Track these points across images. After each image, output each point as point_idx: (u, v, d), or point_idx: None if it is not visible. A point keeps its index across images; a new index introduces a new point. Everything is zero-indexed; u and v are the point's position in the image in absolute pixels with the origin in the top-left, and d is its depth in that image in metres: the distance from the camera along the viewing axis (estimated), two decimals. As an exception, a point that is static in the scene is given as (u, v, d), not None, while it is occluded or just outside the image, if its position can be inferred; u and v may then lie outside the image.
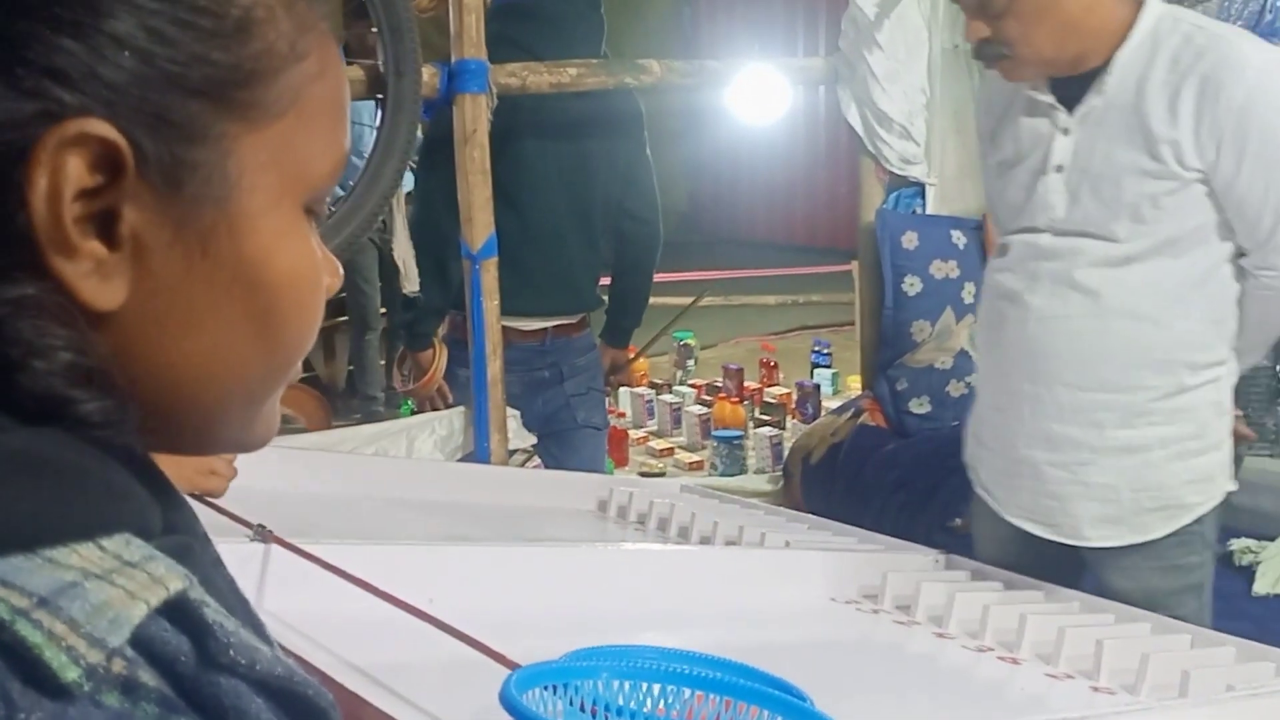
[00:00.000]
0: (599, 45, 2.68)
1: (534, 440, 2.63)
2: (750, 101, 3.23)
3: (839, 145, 8.47)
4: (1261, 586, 3.17)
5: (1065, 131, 1.79)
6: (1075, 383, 1.80)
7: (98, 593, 0.39)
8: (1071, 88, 1.79)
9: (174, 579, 0.41)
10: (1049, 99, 1.82)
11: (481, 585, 1.48)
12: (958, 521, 2.80)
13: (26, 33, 0.42)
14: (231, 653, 0.41)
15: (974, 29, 1.80)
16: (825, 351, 5.31)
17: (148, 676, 0.39)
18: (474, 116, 2.37)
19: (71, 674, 0.38)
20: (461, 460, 2.49)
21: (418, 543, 1.58)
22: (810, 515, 2.31)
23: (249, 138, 0.47)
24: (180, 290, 0.46)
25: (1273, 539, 3.31)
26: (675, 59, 2.96)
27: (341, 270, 0.54)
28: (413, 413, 2.93)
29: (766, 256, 8.51)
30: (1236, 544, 3.34)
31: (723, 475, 4.06)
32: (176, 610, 0.41)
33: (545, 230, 2.58)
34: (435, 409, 2.65)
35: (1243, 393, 3.74)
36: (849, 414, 3.33)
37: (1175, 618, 1.73)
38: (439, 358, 2.65)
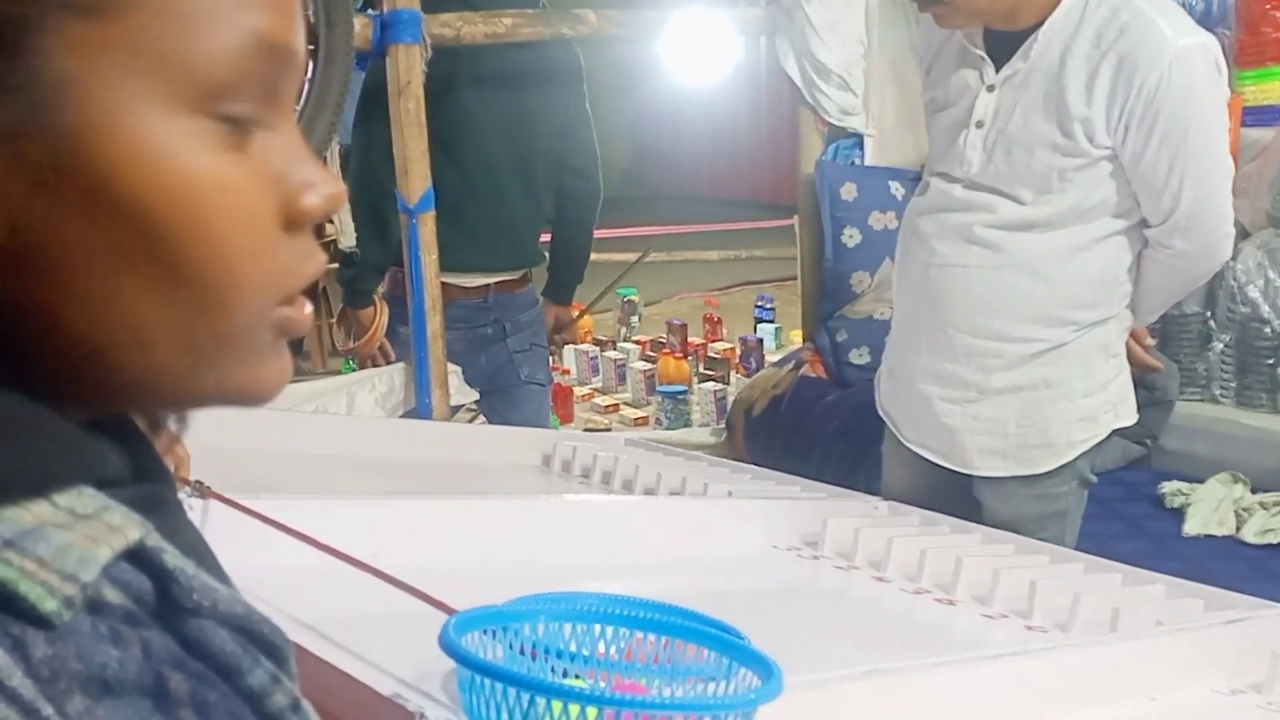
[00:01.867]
0: (537, -5, 2.66)
1: (476, 396, 2.63)
2: (691, 53, 3.22)
3: (782, 98, 8.47)
4: (1191, 528, 3.24)
5: (990, 89, 1.84)
6: (968, 329, 1.89)
7: (59, 537, 0.39)
8: (1003, 44, 1.83)
9: (132, 528, 0.41)
10: (980, 51, 1.85)
11: (425, 539, 1.47)
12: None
13: None
14: (195, 596, 0.42)
15: None
16: (769, 306, 5.35)
17: (113, 595, 0.40)
18: (408, 68, 2.34)
19: (50, 604, 0.38)
20: (403, 417, 2.48)
21: (359, 497, 1.57)
22: (752, 466, 2.33)
23: (84, 38, 0.39)
24: (39, 225, 0.39)
25: (1203, 481, 3.39)
26: (613, 9, 2.93)
27: (338, 188, 0.45)
28: (354, 371, 2.91)
29: (710, 211, 8.52)
30: (1167, 487, 3.42)
31: (668, 430, 4.09)
32: (136, 557, 0.41)
33: (485, 184, 2.56)
34: (377, 367, 2.63)
35: (1173, 338, 3.85)
36: (790, 366, 3.36)
37: (1040, 538, 1.86)
38: (380, 315, 2.63)
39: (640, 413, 4.41)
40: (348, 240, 2.43)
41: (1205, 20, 4.11)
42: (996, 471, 1.95)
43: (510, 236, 2.61)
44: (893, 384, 2.05)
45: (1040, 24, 1.78)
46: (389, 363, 2.62)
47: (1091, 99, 1.75)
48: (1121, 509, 3.40)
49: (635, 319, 5.52)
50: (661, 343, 5.01)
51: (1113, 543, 3.00)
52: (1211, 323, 3.65)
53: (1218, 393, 3.65)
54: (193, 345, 0.43)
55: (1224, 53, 4.29)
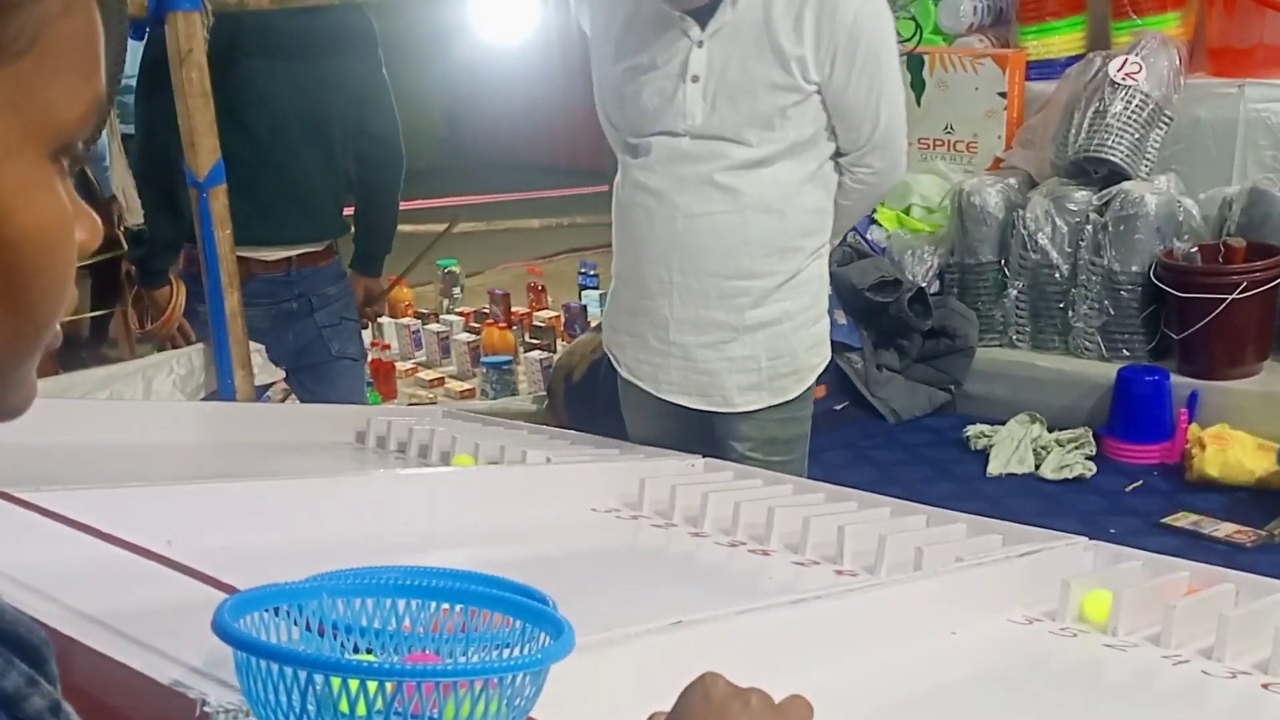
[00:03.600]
0: (325, -42, 2.56)
1: (282, 375, 2.54)
2: (497, 17, 3.16)
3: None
4: (994, 468, 3.40)
5: (699, 44, 1.99)
6: (720, 272, 2.06)
7: None
8: (699, 3, 1.98)
9: None
10: (680, 13, 1.99)
11: (227, 524, 1.42)
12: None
13: None
14: None
15: None
16: (592, 273, 5.35)
17: None
18: (188, 36, 2.22)
19: None
20: (206, 399, 2.38)
21: (153, 484, 1.49)
22: (572, 432, 2.33)
23: None
24: None
25: (1004, 424, 3.55)
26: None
27: (100, 225, 0.50)
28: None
29: (530, 179, 8.44)
30: (971, 430, 3.57)
31: (493, 400, 4.05)
32: None
33: (280, 154, 2.48)
34: (178, 349, 2.52)
35: (971, 287, 4.02)
36: (610, 330, 3.36)
37: (790, 459, 2.13)
38: (177, 295, 2.52)
39: (466, 385, 4.37)
40: (134, 217, 2.31)
41: (988, -22, 4.26)
42: (754, 405, 2.12)
43: (309, 207, 2.53)
44: (639, 344, 2.17)
45: None
46: (190, 344, 2.51)
47: (802, 39, 1.94)
48: (929, 454, 3.54)
49: (458, 290, 5.44)
50: (485, 313, 4.96)
51: (921, 486, 3.13)
52: (1005, 271, 3.82)
53: (1014, 337, 3.83)
54: (8, 360, 0.46)
55: (1007, 10, 4.47)
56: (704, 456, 2.02)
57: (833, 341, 2.32)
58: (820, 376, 2.25)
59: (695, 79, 1.98)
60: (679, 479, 1.87)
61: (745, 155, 2.00)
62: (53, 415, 1.94)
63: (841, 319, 3.65)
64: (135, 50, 2.46)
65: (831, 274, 3.69)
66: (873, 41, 1.97)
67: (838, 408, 3.67)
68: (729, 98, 1.97)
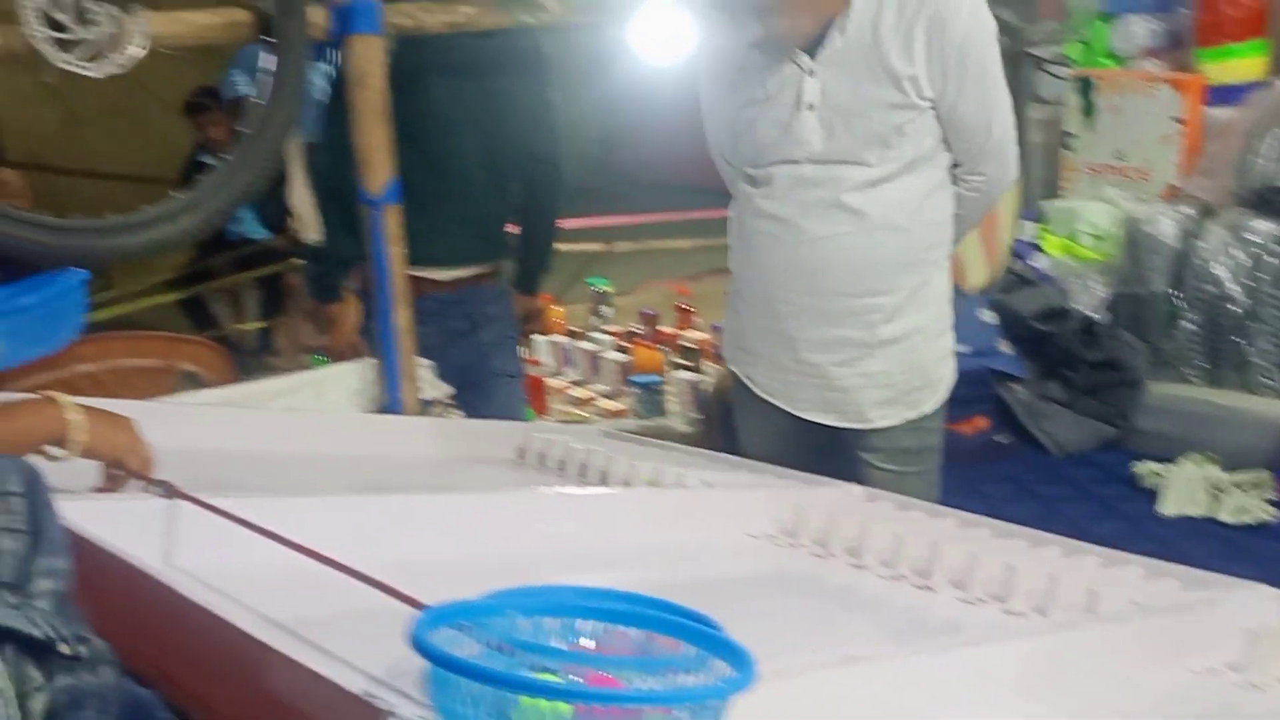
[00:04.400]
0: (498, -19, 2.63)
1: (451, 391, 2.60)
2: (657, 39, 3.18)
3: (750, 88, 8.28)
4: (1168, 508, 3.26)
5: (811, 73, 2.04)
6: (849, 291, 2.10)
7: None
8: (809, 40, 2.03)
9: None
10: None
11: (399, 535, 1.46)
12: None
13: None
14: None
15: (751, 32, 2.06)
16: (741, 294, 5.33)
17: None
18: (366, 58, 2.30)
19: None
20: (374, 413, 2.45)
21: (330, 494, 1.55)
22: (729, 455, 2.32)
23: None
24: None
25: (1174, 461, 3.40)
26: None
27: None
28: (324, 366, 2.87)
29: (681, 199, 8.48)
30: (1140, 467, 3.43)
31: (643, 420, 4.07)
32: None
33: (455, 175, 2.54)
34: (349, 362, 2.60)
35: (1143, 318, 3.86)
36: (764, 353, 3.35)
37: (921, 470, 2.15)
38: (351, 310, 2.60)
39: (617, 404, 4.40)
40: (311, 233, 2.40)
41: (1163, 1, 4.11)
42: (890, 420, 2.15)
43: (481, 229, 2.59)
44: (771, 364, 2.21)
45: (843, 10, 2.00)
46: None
47: (913, 58, 1.98)
48: (1096, 490, 3.41)
49: (609, 309, 5.50)
50: (635, 332, 4.99)
51: (1087, 524, 3.01)
52: (1179, 302, 3.66)
53: (1187, 372, 3.67)
54: None
55: (1183, 34, 4.31)
56: (829, 469, 2.03)
57: (996, 371, 2.28)
58: (981, 408, 2.22)
59: (810, 107, 2.04)
60: (838, 507, 1.85)
61: (866, 175, 2.05)
62: (233, 424, 2.03)
63: (1006, 348, 3.56)
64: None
65: (996, 302, 3.64)
66: (982, 56, 2.02)
67: (1001, 440, 3.58)
68: (845, 122, 2.02)
